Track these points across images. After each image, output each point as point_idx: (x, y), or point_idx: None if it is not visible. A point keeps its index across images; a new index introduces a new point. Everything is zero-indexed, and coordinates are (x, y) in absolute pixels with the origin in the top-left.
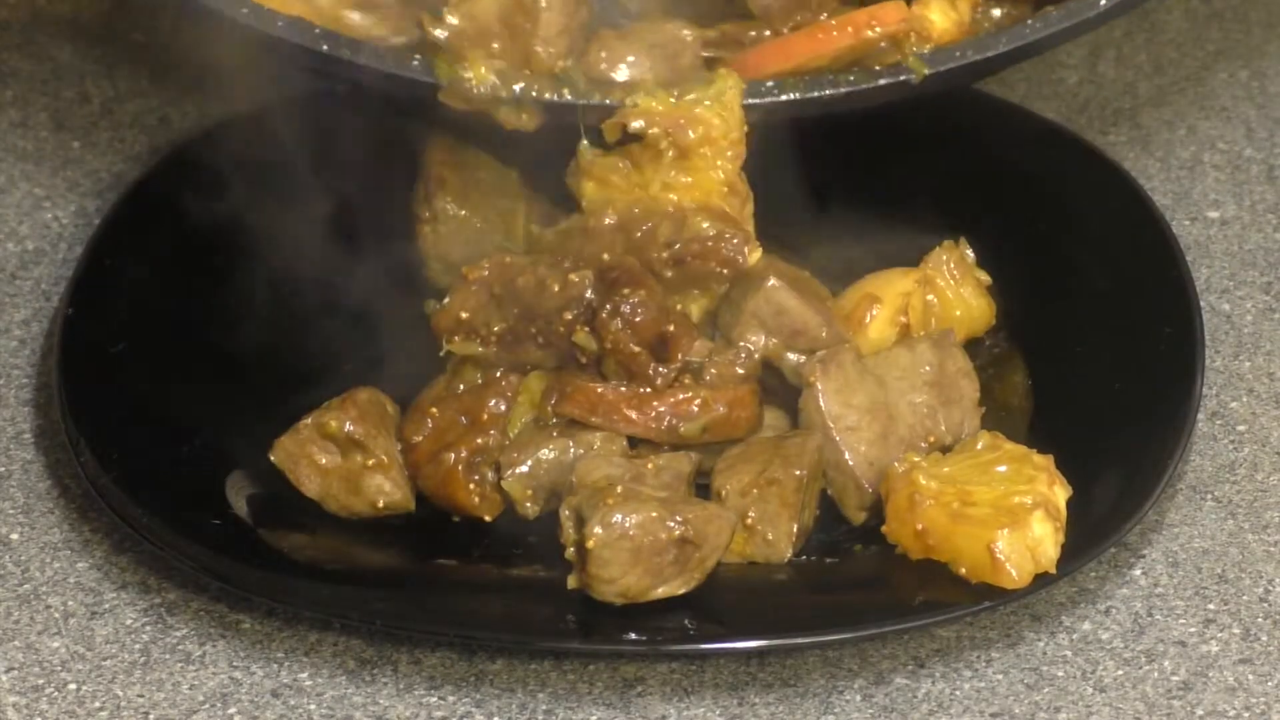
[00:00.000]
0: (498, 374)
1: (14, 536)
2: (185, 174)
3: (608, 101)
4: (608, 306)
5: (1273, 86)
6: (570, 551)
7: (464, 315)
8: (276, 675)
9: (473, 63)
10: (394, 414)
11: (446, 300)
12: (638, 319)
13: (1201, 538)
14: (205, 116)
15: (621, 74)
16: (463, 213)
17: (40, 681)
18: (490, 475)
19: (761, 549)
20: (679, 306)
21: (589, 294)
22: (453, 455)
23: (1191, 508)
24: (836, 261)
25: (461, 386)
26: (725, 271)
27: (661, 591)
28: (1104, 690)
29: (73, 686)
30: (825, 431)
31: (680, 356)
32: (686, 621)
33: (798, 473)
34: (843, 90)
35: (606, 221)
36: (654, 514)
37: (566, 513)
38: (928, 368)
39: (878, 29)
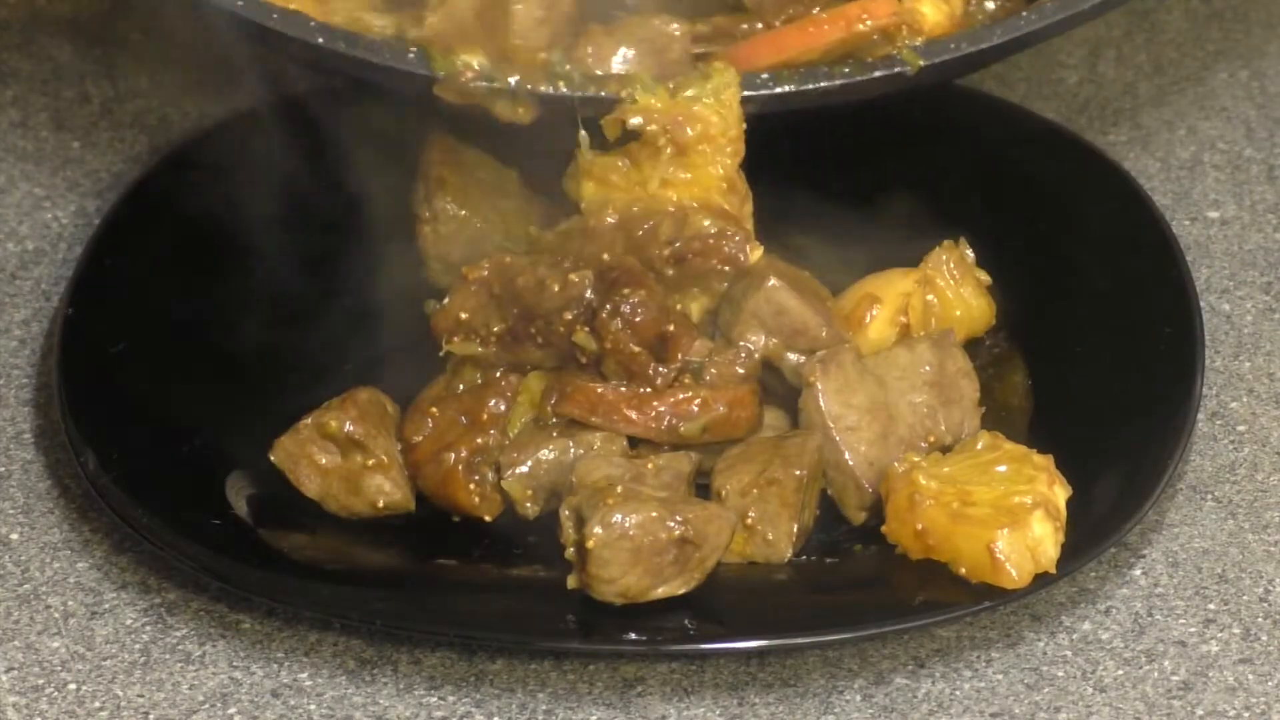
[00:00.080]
0: (498, 374)
1: (14, 536)
2: (185, 174)
3: (603, 94)
4: (608, 306)
5: (1273, 86)
6: (570, 551)
7: (463, 315)
8: (276, 675)
9: (469, 53)
10: (394, 414)
11: (446, 300)
12: (638, 319)
13: (1201, 538)
14: (205, 116)
15: (608, 66)
16: (463, 213)
17: (40, 681)
18: (490, 475)
19: (761, 549)
20: (679, 306)
21: (589, 294)
22: (453, 455)
23: (1191, 508)
24: (836, 261)
25: (461, 386)
26: (727, 269)
27: (661, 591)
28: (1104, 690)
29: (73, 686)
30: (825, 431)
31: (680, 356)
32: (686, 621)
33: (798, 473)
34: (837, 83)
35: (607, 221)
36: (654, 514)
37: (566, 513)
38: (928, 368)
39: (869, 22)
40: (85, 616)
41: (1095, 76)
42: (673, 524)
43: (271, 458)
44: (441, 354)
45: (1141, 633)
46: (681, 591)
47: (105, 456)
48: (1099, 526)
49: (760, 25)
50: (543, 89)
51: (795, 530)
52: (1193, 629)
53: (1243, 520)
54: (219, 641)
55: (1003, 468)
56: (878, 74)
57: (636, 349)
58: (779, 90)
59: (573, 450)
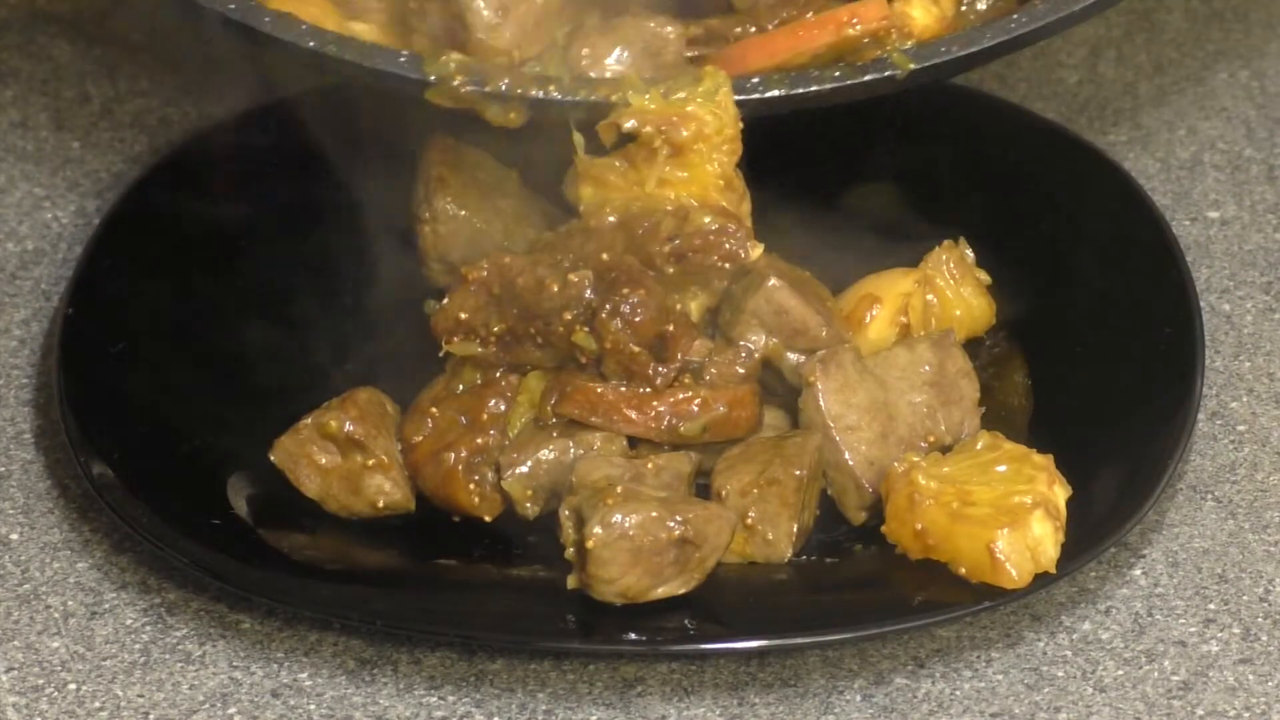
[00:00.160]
0: (497, 374)
1: (14, 536)
2: (185, 174)
3: (594, 98)
4: (607, 306)
5: (1273, 86)
6: (570, 551)
7: (463, 316)
8: (276, 675)
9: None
10: (394, 414)
11: (445, 301)
12: (637, 319)
13: (1201, 538)
14: (205, 116)
15: (603, 69)
16: (463, 213)
17: (40, 681)
18: (490, 475)
19: (761, 549)
20: (678, 306)
21: (588, 294)
22: (453, 455)
23: (1191, 508)
24: (836, 261)
25: (461, 387)
26: (727, 266)
27: (661, 591)
28: (1104, 690)
29: (73, 686)
30: (825, 431)
31: (680, 356)
32: (686, 621)
33: (798, 473)
34: (828, 86)
35: (608, 220)
36: (654, 514)
37: (566, 513)
38: (928, 368)
39: (859, 26)
40: (85, 616)
41: (1095, 76)
42: (673, 524)
43: (271, 458)
44: (441, 354)
45: (1141, 633)
46: (681, 591)
47: (105, 456)
48: (1099, 526)
49: (753, 28)
50: (534, 94)
51: (795, 530)
52: (1193, 629)
53: (1243, 520)
54: (219, 641)
55: (1003, 468)
56: (868, 77)
57: (636, 349)
58: (769, 94)
59: (573, 450)
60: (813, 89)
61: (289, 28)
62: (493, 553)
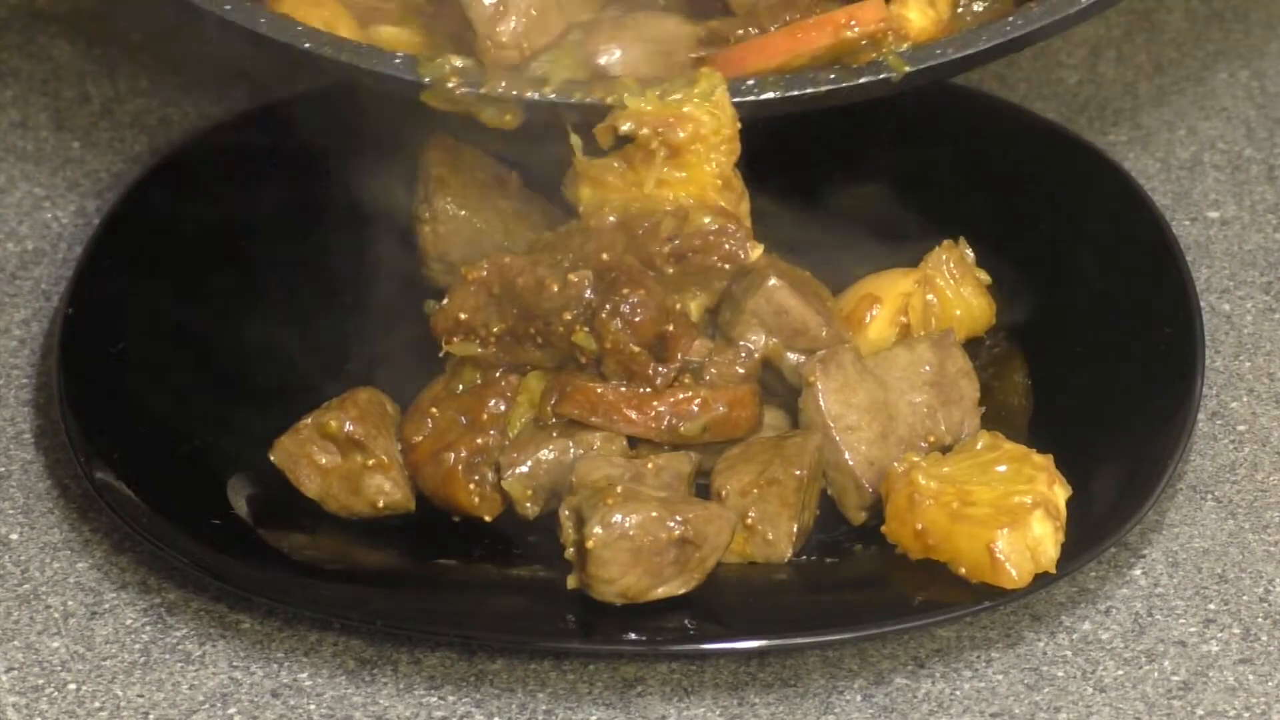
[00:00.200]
0: (497, 374)
1: (14, 536)
2: (185, 174)
3: (589, 101)
4: (607, 306)
5: (1273, 86)
6: (570, 551)
7: (463, 316)
8: (276, 675)
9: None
10: (394, 414)
11: (445, 301)
12: (637, 319)
13: (1201, 538)
14: (205, 116)
15: (612, 61)
16: (462, 213)
17: (40, 681)
18: (490, 475)
19: (761, 549)
20: (678, 306)
21: (588, 294)
22: (453, 455)
23: (1191, 508)
24: (836, 262)
25: (461, 387)
26: (727, 267)
27: (661, 591)
28: (1104, 690)
29: (73, 686)
30: (825, 431)
31: (680, 356)
32: (686, 621)
33: (798, 473)
34: (823, 89)
35: (608, 220)
36: (654, 514)
37: (566, 513)
38: (928, 368)
39: (856, 29)
40: (85, 616)
41: (1095, 76)
42: (673, 524)
43: (271, 458)
44: (441, 354)
45: (1141, 633)
46: (681, 591)
47: (105, 456)
48: (1099, 526)
49: (755, 30)
50: (529, 96)
51: (795, 530)
52: (1193, 629)
53: (1243, 520)
54: (219, 641)
55: (1003, 468)
56: (863, 80)
57: (636, 349)
58: (765, 96)
59: (573, 450)
60: (808, 91)
61: (284, 29)
62: (493, 553)
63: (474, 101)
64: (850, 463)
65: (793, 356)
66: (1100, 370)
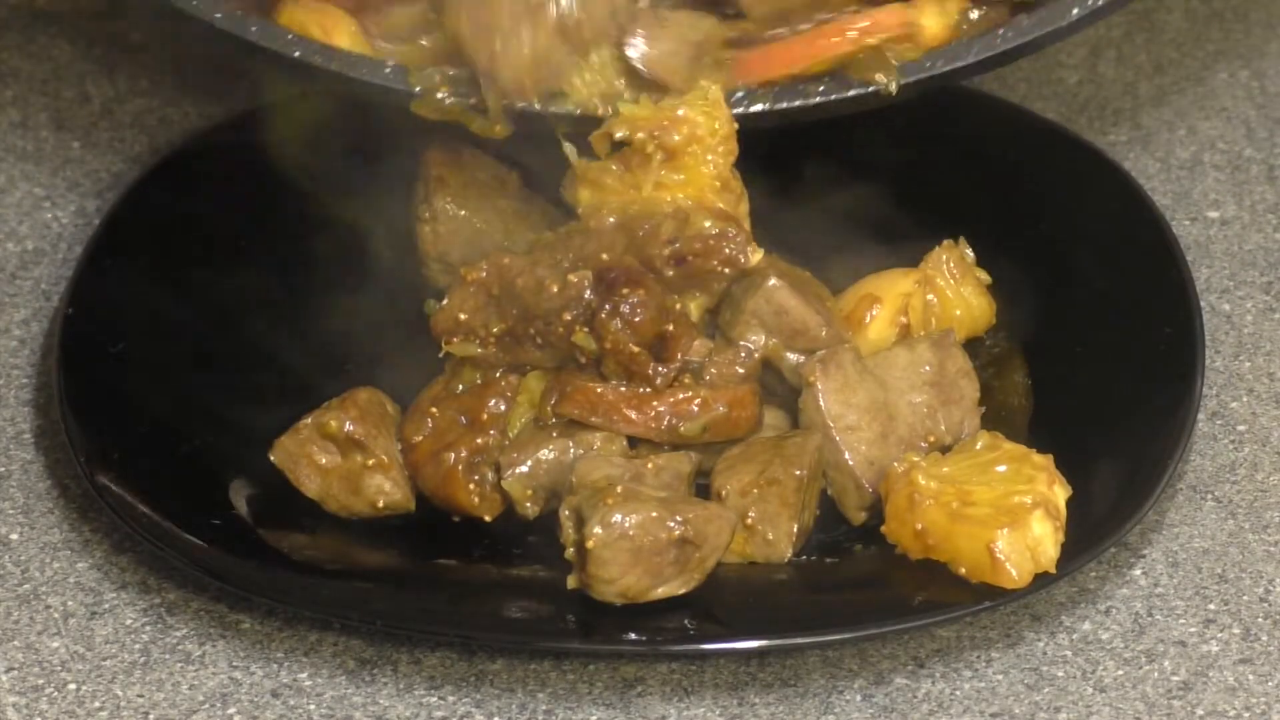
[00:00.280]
0: (497, 374)
1: (14, 536)
2: (185, 174)
3: (579, 111)
4: (607, 307)
5: (1273, 86)
6: (570, 551)
7: (462, 316)
8: (276, 675)
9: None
10: (394, 414)
11: (445, 301)
12: (637, 319)
13: (1201, 538)
14: (205, 117)
15: (639, 54)
16: (462, 213)
17: (40, 681)
18: (490, 475)
19: (761, 549)
20: (678, 306)
21: (588, 294)
22: (453, 455)
23: (1191, 508)
24: (836, 261)
25: (461, 387)
26: (727, 271)
27: (661, 591)
28: (1104, 690)
29: (73, 686)
30: (825, 431)
31: (680, 356)
32: (686, 621)
33: (798, 473)
34: (812, 101)
35: (608, 221)
36: (654, 514)
37: (566, 513)
38: (928, 368)
39: (878, 34)
40: (85, 616)
41: (1095, 76)
42: (673, 524)
43: (271, 458)
44: (441, 354)
45: (1141, 633)
46: (681, 591)
47: (105, 456)
48: (1099, 526)
49: (787, 31)
50: (520, 106)
51: (795, 530)
52: (1193, 629)
53: (1243, 520)
54: (219, 641)
55: (1002, 468)
56: (853, 93)
57: (636, 349)
58: (754, 109)
59: (573, 450)
60: (797, 104)
61: (275, 38)
62: (493, 553)
63: (463, 112)
64: (850, 463)
65: (793, 356)
66: (1100, 370)
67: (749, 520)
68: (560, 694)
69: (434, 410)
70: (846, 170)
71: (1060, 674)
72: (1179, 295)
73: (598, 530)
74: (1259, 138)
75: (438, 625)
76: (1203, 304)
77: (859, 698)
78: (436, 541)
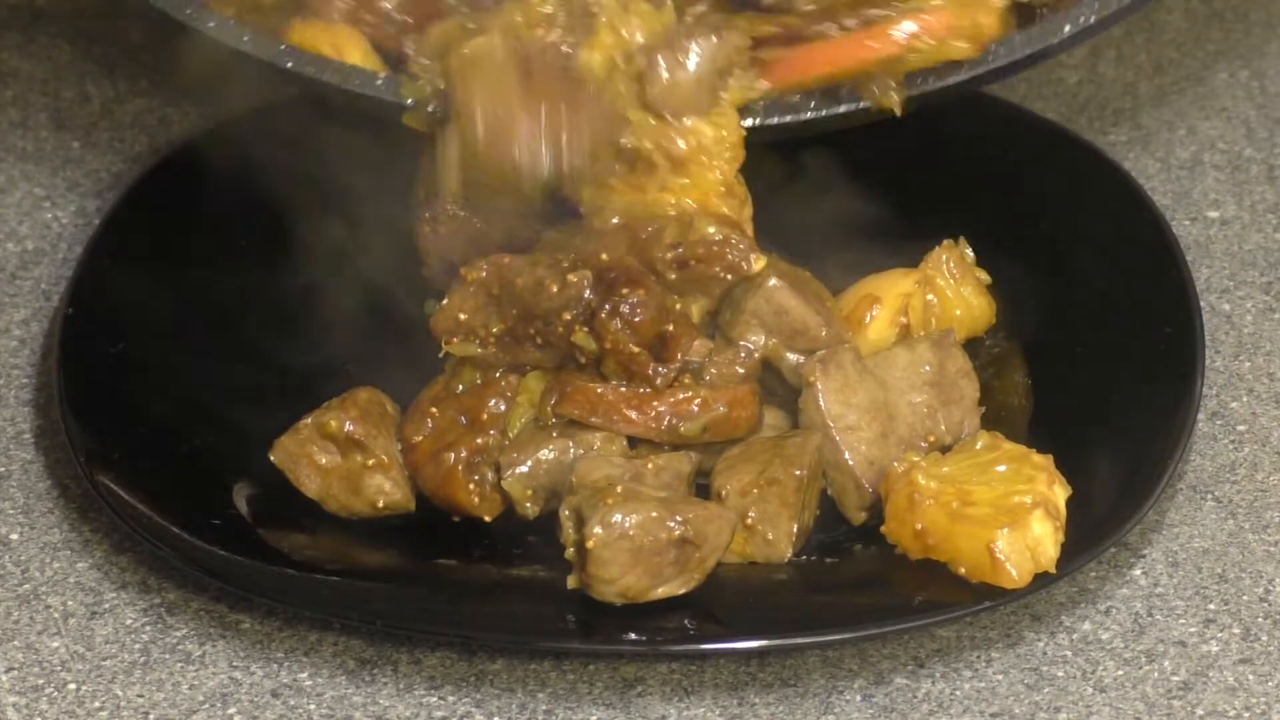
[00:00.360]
0: (497, 374)
1: (14, 536)
2: (185, 174)
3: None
4: (606, 307)
5: (1273, 86)
6: (570, 551)
7: (462, 316)
8: (276, 675)
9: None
10: (394, 414)
11: (445, 301)
12: (637, 319)
13: (1201, 538)
14: (205, 117)
15: (689, 75)
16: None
17: (40, 681)
18: (490, 475)
19: (761, 549)
20: (679, 306)
21: (587, 294)
22: (453, 455)
23: (1191, 508)
24: (836, 262)
25: (461, 387)
26: (729, 277)
27: (661, 591)
28: (1104, 690)
29: (73, 686)
30: (825, 431)
31: (680, 356)
32: (686, 621)
33: (798, 473)
34: (804, 117)
35: (611, 222)
36: (654, 514)
37: (566, 513)
38: (928, 368)
39: (928, 38)
40: (85, 616)
41: (1095, 76)
42: (673, 524)
43: (271, 458)
44: (441, 354)
45: (1141, 633)
46: (681, 591)
47: (105, 456)
48: (1099, 526)
49: (833, 26)
50: None
51: (795, 530)
52: (1193, 629)
53: (1243, 520)
54: (219, 641)
55: (1002, 467)
56: (843, 109)
57: (636, 349)
58: (745, 124)
59: (573, 450)
60: (788, 119)
61: (268, 47)
62: (493, 553)
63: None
64: (850, 463)
65: (793, 356)
66: (1100, 370)
67: (749, 520)
68: (560, 694)
69: (434, 410)
70: (846, 170)
71: (1060, 674)
72: (1179, 295)
73: (598, 530)
74: (1259, 138)
75: (438, 625)
76: (1203, 304)
77: (859, 698)
78: (436, 541)
